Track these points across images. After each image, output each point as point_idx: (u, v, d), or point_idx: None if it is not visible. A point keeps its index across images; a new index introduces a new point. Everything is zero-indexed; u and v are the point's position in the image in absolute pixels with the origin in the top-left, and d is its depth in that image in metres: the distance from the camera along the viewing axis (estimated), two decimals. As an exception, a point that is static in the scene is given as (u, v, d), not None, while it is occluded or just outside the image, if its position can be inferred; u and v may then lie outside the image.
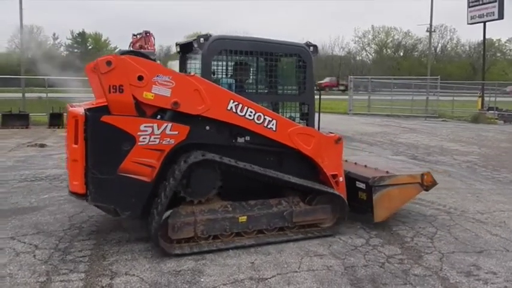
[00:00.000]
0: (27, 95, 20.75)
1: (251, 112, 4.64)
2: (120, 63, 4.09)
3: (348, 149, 11.88)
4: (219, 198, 4.73)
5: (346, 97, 27.97)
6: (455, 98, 25.67)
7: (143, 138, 4.21)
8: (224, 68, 5.30)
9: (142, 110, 4.27)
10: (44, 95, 19.26)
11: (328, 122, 19.03)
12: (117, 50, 55.92)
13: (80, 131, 4.19)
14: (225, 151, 4.64)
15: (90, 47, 65.99)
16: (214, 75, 5.06)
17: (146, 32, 17.33)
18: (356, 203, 5.44)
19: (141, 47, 16.69)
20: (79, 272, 4.04)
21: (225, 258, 4.42)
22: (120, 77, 4.09)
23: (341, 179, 5.21)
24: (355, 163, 6.30)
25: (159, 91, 4.24)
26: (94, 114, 4.15)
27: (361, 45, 70.64)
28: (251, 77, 5.36)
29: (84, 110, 4.21)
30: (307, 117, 5.31)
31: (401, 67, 62.20)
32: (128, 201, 4.34)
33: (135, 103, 4.20)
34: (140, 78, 4.16)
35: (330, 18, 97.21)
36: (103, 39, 66.97)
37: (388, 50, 69.84)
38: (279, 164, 5.00)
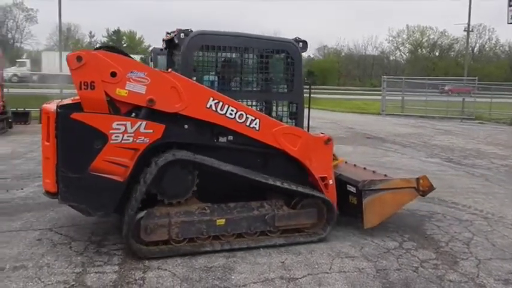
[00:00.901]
0: (65, 91, 21.35)
1: (232, 110, 4.44)
2: (91, 58, 3.98)
3: (381, 150, 11.70)
4: (197, 200, 4.52)
5: (379, 97, 27.51)
6: (493, 100, 24.84)
7: (116, 137, 4.07)
8: (206, 64, 4.95)
9: (116, 107, 4.14)
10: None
11: (360, 123, 18.81)
12: (151, 48, 56.72)
13: (51, 128, 4.09)
14: (207, 151, 4.46)
15: (124, 45, 67.33)
16: (195, 71, 4.78)
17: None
18: (347, 208, 5.18)
19: None
20: (113, 264, 4.13)
21: (256, 256, 4.42)
22: (91, 73, 3.97)
23: (331, 181, 4.94)
24: (355, 165, 6.08)
25: (134, 88, 4.10)
26: (64, 111, 4.05)
27: (395, 44, 69.28)
28: (235, 74, 5.07)
29: (56, 106, 4.11)
30: (296, 117, 5.08)
31: (437, 67, 60.66)
32: (100, 201, 4.19)
33: (109, 100, 4.08)
34: (113, 74, 4.03)
35: (362, 17, 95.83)
36: (137, 37, 68.26)
37: (423, 50, 68.18)
38: (264, 165, 4.78)
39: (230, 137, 4.58)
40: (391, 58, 70.64)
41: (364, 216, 4.94)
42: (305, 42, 5.11)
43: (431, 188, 5.33)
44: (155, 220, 4.24)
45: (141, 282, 3.82)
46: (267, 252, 4.52)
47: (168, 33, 5.22)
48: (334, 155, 6.17)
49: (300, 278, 4.00)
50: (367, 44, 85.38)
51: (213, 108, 4.38)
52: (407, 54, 69.32)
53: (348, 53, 69.55)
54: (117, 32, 66.35)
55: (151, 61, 15.69)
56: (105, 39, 66.25)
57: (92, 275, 3.91)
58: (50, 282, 3.74)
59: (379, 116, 23.43)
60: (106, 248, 4.49)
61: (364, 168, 5.91)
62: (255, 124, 4.55)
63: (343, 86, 53.30)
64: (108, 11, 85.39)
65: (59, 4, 23.72)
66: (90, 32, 63.77)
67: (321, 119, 19.51)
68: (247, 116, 4.53)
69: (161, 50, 18.09)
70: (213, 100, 4.37)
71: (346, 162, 6.24)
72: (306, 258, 4.44)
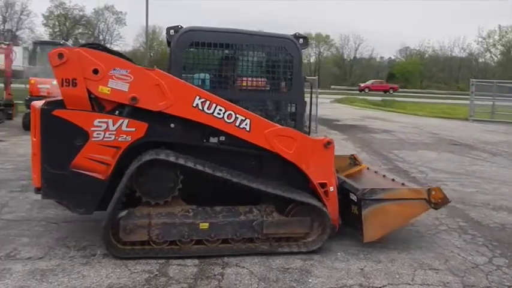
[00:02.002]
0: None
1: (220, 110, 4.23)
2: (72, 55, 3.96)
3: (468, 158, 11.01)
4: (182, 202, 4.33)
5: (466, 102, 25.86)
6: None
7: (97, 134, 4.03)
8: (197, 62, 4.71)
9: (100, 104, 4.12)
10: None
11: (445, 128, 17.81)
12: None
13: (37, 125, 4.11)
14: (197, 152, 4.32)
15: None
16: (185, 69, 4.59)
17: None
18: (349, 218, 4.74)
19: None
20: (193, 258, 4.25)
21: (334, 261, 4.34)
22: (72, 70, 3.96)
23: (331, 188, 4.54)
24: (375, 172, 5.64)
25: (116, 85, 4.04)
26: (47, 107, 4.06)
27: (484, 46, 64.86)
28: (228, 72, 4.71)
29: (42, 104, 4.14)
30: (295, 118, 4.78)
31: (533, 70, 55.79)
32: (81, 198, 4.14)
33: (94, 98, 4.07)
34: (95, 71, 3.99)
35: (449, 18, 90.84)
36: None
37: (518, 52, 63.08)
38: (259, 168, 4.53)
39: (222, 138, 4.39)
40: (480, 60, 66.20)
41: (364, 228, 4.49)
42: (305, 39, 4.79)
43: (445, 201, 4.79)
44: (135, 220, 4.12)
45: (220, 277, 3.91)
46: (344, 258, 4.42)
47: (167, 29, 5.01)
48: (357, 159, 5.94)
49: (380, 287, 3.87)
50: (453, 45, 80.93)
51: (200, 107, 4.20)
52: (498, 56, 64.57)
53: (433, 55, 66.35)
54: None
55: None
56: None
57: (174, 266, 4.06)
58: (135, 271, 3.94)
59: (466, 122, 22.01)
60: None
61: (384, 176, 5.44)
62: (246, 125, 4.30)
63: (426, 89, 50.87)
64: (193, 14, 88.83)
65: (146, 7, 25.11)
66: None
67: (402, 123, 18.79)
68: (237, 115, 4.28)
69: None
70: (200, 99, 4.19)
71: (368, 168, 5.82)
72: (386, 267, 4.28)
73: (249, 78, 4.79)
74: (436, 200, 4.71)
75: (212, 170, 4.20)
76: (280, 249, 4.42)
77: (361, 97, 40.17)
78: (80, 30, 60.90)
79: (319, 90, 17.68)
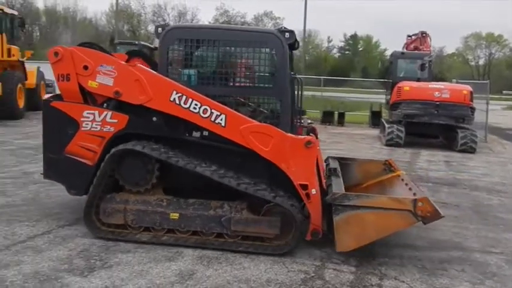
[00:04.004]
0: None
1: (196, 105, 4.31)
2: (66, 53, 4.43)
3: None
4: (161, 192, 4.53)
5: None
6: None
7: (86, 124, 4.47)
8: (182, 58, 4.81)
9: (93, 98, 4.55)
10: (318, 93, 20.93)
11: None
12: (386, 51, 56.19)
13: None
14: (181, 146, 4.49)
15: (360, 49, 68.39)
16: (171, 66, 4.74)
17: (422, 33, 16.71)
18: (328, 225, 4.40)
19: (416, 48, 16.19)
20: (350, 265, 4.13)
21: None
22: (66, 66, 4.43)
23: (314, 191, 4.27)
24: (402, 179, 5.10)
25: (103, 80, 4.42)
26: (47, 99, 4.65)
27: None
28: (212, 69, 4.82)
29: (48, 96, 4.77)
30: (279, 114, 4.65)
31: None
32: (74, 181, 4.64)
33: (87, 92, 4.50)
34: (86, 67, 4.41)
35: None
36: (374, 41, 68.42)
37: None
38: (242, 165, 4.48)
39: (205, 133, 4.49)
40: None
41: (336, 236, 4.10)
42: (291, 33, 4.60)
43: (435, 215, 4.12)
44: (113, 204, 4.41)
45: (377, 288, 3.75)
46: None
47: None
48: (392, 165, 5.52)
49: None
50: None
51: (177, 101, 4.34)
52: None
53: None
54: (354, 37, 67.95)
55: (390, 64, 15.47)
56: (342, 44, 68.54)
57: (330, 270, 3.99)
58: (292, 269, 3.97)
59: None
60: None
61: (406, 184, 4.88)
62: (221, 120, 4.31)
63: None
64: (347, 17, 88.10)
65: (305, 12, 25.64)
66: (328, 37, 67.20)
67: None
68: (212, 110, 4.32)
69: (402, 53, 17.58)
70: (177, 93, 4.34)
71: (401, 178, 5.26)
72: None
73: (233, 74, 4.90)
74: (423, 213, 4.08)
75: (185, 164, 4.29)
76: (243, 248, 4.30)
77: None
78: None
79: (490, 96, 15.87)
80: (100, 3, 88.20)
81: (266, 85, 4.88)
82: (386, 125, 12.75)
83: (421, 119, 12.15)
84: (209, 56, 4.88)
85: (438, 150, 12.29)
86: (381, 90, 18.63)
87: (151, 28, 56.36)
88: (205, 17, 79.83)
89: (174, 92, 4.35)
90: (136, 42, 20.00)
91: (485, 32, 66.94)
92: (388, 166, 5.68)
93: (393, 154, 10.94)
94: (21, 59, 14.72)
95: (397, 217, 4.16)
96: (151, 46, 18.14)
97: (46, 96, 4.90)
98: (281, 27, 4.80)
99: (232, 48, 4.86)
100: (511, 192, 7.58)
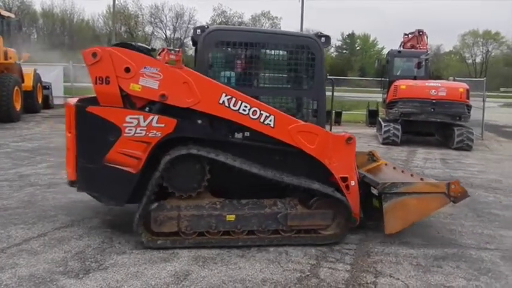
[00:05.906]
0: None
1: (245, 107, 4.33)
2: (105, 55, 4.13)
3: None
4: (210, 194, 4.47)
5: None
6: None
7: (129, 130, 4.18)
8: (223, 60, 4.90)
9: (132, 101, 4.28)
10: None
11: None
12: (383, 49, 56.29)
13: (72, 121, 4.31)
14: (223, 147, 4.43)
15: (357, 48, 68.53)
16: (211, 68, 4.72)
17: (419, 31, 16.72)
18: (372, 211, 4.88)
19: (413, 47, 16.22)
20: (345, 263, 4.16)
21: (503, 285, 3.84)
22: (106, 68, 4.13)
23: (352, 183, 4.61)
24: (394, 167, 5.76)
25: (147, 83, 4.19)
26: (81, 104, 4.29)
27: None
28: (252, 71, 4.84)
29: (76, 101, 4.41)
30: (317, 114, 4.87)
31: None
32: (113, 191, 4.35)
33: (125, 95, 4.21)
34: (127, 70, 4.14)
35: None
36: (371, 39, 68.53)
37: None
38: (283, 162, 4.59)
39: (247, 134, 4.49)
40: None
41: (385, 221, 4.58)
42: (328, 37, 4.86)
43: (464, 195, 4.81)
44: (165, 212, 4.26)
45: (373, 286, 3.73)
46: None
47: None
48: (376, 156, 6.08)
49: None
50: None
51: (226, 104, 4.31)
52: None
53: None
54: (351, 36, 68.03)
55: (387, 63, 15.49)
56: (339, 43, 68.64)
57: (325, 269, 4.01)
58: (288, 268, 3.98)
59: None
60: (339, 245, 4.55)
61: (403, 171, 5.53)
62: (270, 121, 4.40)
63: None
64: (345, 16, 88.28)
65: (302, 12, 25.63)
66: (326, 36, 67.08)
67: None
68: (262, 112, 4.38)
69: (398, 52, 17.57)
70: (226, 96, 4.30)
71: (386, 164, 5.92)
72: None
73: (273, 76, 4.98)
74: (455, 194, 4.73)
75: (240, 164, 4.33)
76: (297, 241, 4.51)
77: (537, 101, 35.07)
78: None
79: (487, 93, 15.89)
80: (97, 4, 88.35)
81: (304, 86, 5.08)
82: (383, 124, 12.78)
83: (418, 117, 12.18)
84: (249, 58, 4.92)
85: (435, 148, 12.32)
86: (378, 89, 18.65)
87: (148, 29, 56.36)
88: (203, 18, 79.73)
89: (224, 95, 4.33)
90: (134, 44, 20.01)
91: (482, 29, 67.11)
92: (371, 156, 6.09)
93: (390, 152, 10.98)
94: (18, 62, 14.73)
95: (434, 199, 4.79)
96: (149, 47, 18.16)
97: (72, 100, 4.55)
98: (317, 33, 5.00)
99: (273, 51, 4.95)
100: (507, 189, 7.59)
